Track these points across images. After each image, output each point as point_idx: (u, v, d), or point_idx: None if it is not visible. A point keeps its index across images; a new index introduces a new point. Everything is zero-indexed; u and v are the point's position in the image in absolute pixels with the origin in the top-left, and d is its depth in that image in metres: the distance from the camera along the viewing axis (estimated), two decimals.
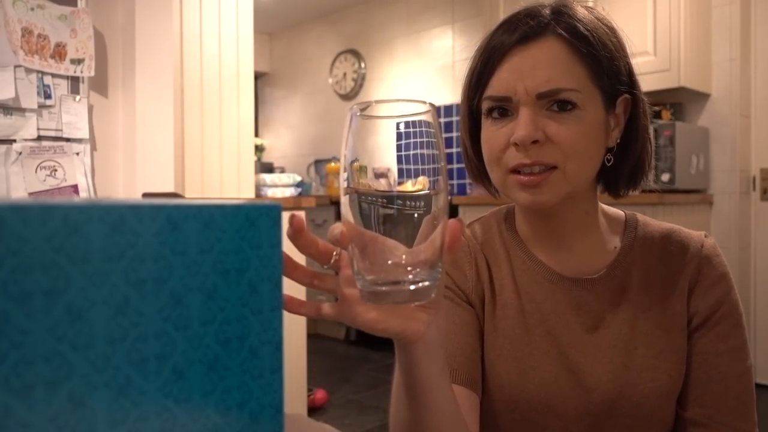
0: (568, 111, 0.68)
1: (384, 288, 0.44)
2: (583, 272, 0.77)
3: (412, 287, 0.44)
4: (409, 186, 0.46)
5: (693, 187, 2.88)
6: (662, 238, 0.78)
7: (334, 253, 0.48)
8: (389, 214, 0.45)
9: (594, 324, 0.75)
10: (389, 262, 0.44)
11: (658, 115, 3.00)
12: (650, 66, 2.83)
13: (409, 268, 0.45)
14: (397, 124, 0.45)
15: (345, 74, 4.89)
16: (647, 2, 2.85)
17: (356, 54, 4.81)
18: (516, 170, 0.69)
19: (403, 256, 0.45)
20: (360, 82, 4.79)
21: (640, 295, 0.75)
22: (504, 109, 0.70)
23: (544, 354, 0.75)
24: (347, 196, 0.46)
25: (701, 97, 3.02)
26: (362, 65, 4.77)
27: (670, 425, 0.75)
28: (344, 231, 0.44)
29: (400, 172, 0.46)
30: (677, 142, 2.73)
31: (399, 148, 0.47)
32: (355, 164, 0.45)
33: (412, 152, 0.46)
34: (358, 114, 0.45)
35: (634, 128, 0.75)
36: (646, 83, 2.79)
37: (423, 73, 4.35)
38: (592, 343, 0.74)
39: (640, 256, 0.77)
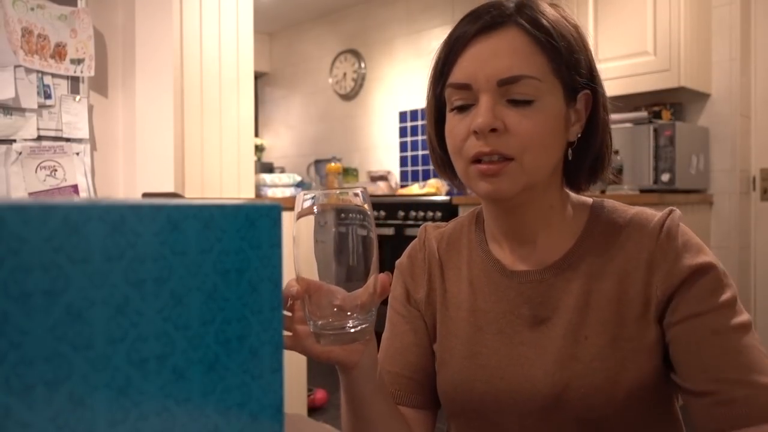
0: (527, 105, 0.69)
1: (331, 332, 0.58)
2: (541, 264, 0.76)
3: (353, 330, 0.58)
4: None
5: (693, 187, 2.88)
6: (624, 224, 0.75)
7: (289, 299, 0.60)
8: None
9: (546, 315, 0.74)
10: (334, 309, 0.57)
11: (658, 115, 3.00)
12: (650, 66, 2.83)
13: (348, 313, 0.58)
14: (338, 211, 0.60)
15: (345, 74, 4.89)
16: (647, 2, 2.85)
17: (356, 54, 4.81)
18: (476, 160, 0.70)
19: (344, 301, 0.58)
20: (360, 82, 4.79)
21: (594, 284, 0.73)
22: (466, 104, 0.71)
23: (493, 352, 0.75)
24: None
25: (701, 97, 3.02)
26: (362, 65, 4.77)
27: (632, 418, 0.70)
28: (299, 289, 0.57)
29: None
30: (677, 142, 2.73)
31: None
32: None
33: None
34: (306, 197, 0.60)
35: (594, 123, 0.75)
36: (646, 83, 2.80)
37: (423, 73, 4.34)
38: (543, 336, 0.73)
39: (600, 244, 0.75)
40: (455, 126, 0.73)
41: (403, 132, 4.46)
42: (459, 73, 0.71)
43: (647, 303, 0.71)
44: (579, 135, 0.75)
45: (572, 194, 0.80)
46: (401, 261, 0.88)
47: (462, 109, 0.72)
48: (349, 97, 4.89)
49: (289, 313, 0.62)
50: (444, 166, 0.81)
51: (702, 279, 0.69)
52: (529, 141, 0.69)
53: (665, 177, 2.73)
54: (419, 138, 4.35)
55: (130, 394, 0.30)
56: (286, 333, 0.62)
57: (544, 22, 0.70)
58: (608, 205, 0.79)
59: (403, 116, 4.47)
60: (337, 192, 0.59)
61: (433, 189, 3.81)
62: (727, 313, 0.68)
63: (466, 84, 0.70)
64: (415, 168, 4.37)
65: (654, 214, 0.75)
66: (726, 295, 0.69)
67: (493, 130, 0.68)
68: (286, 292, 0.58)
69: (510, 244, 0.79)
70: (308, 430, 0.79)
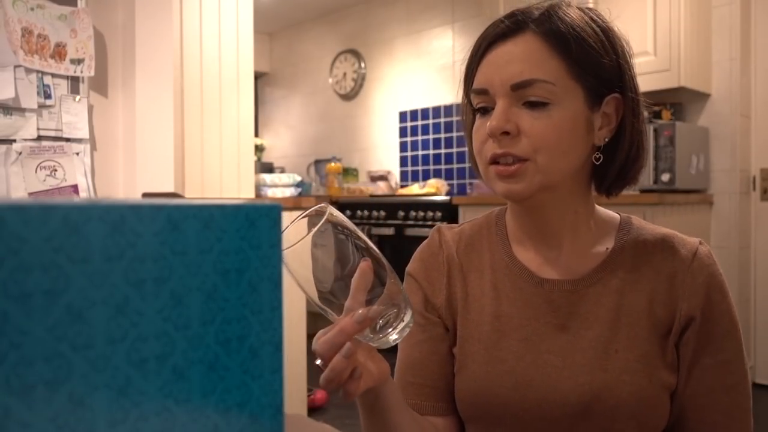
0: (541, 107, 0.70)
1: (380, 336, 0.60)
2: (571, 272, 0.77)
3: (397, 325, 0.60)
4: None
5: (693, 187, 2.88)
6: (655, 242, 0.77)
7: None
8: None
9: (576, 325, 0.74)
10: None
11: (658, 115, 3.00)
12: (650, 66, 2.83)
13: (378, 324, 0.60)
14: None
15: (345, 74, 4.89)
16: (647, 2, 2.85)
17: (356, 54, 4.81)
18: (494, 162, 0.72)
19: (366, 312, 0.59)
20: (360, 82, 4.79)
21: (625, 298, 0.74)
22: (488, 107, 0.73)
23: (518, 359, 0.75)
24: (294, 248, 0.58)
25: (701, 97, 3.02)
26: (362, 65, 4.77)
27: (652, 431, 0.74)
28: (351, 347, 0.57)
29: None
30: (677, 142, 2.73)
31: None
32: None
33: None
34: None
35: (622, 128, 0.76)
36: (646, 83, 2.80)
37: (423, 73, 4.35)
38: (571, 345, 0.74)
39: (631, 259, 0.76)
40: (477, 129, 0.75)
41: (403, 132, 4.46)
42: (478, 79, 0.74)
43: (671, 325, 0.73)
44: (607, 139, 0.75)
45: (599, 207, 0.81)
46: (413, 267, 0.86)
47: (484, 112, 0.74)
48: (349, 97, 4.89)
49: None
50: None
51: (718, 331, 0.73)
52: (540, 142, 0.70)
53: (665, 177, 2.73)
54: (419, 138, 4.35)
55: (130, 394, 0.30)
56: (355, 382, 0.60)
57: (562, 27, 0.71)
58: (636, 222, 0.80)
59: (403, 116, 4.47)
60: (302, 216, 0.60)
61: (433, 189, 3.81)
62: (730, 369, 0.74)
63: (484, 89, 0.73)
64: (415, 168, 4.37)
65: (685, 238, 0.77)
66: (739, 343, 0.74)
67: (506, 133, 0.70)
68: (341, 349, 0.57)
69: (535, 246, 0.79)
70: (308, 430, 0.79)
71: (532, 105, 0.70)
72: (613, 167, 0.76)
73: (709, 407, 0.73)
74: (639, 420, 0.71)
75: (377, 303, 0.58)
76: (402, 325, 0.60)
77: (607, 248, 0.77)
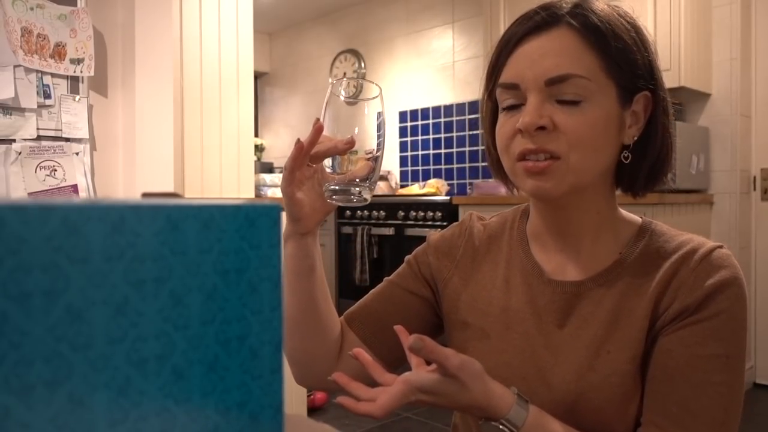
0: (575, 103, 0.68)
1: (339, 187, 0.72)
2: (581, 274, 0.76)
3: (357, 188, 0.72)
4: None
5: (693, 187, 2.88)
6: (669, 249, 0.74)
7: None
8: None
9: (575, 325, 0.74)
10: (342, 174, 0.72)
11: None
12: None
13: (356, 180, 0.72)
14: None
15: (345, 74, 4.89)
16: (647, 2, 2.85)
17: (356, 54, 4.81)
18: (522, 158, 0.70)
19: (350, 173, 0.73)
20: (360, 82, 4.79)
21: (627, 301, 0.73)
22: (516, 103, 0.71)
23: (519, 351, 0.76)
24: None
25: (701, 97, 3.02)
26: (362, 65, 4.77)
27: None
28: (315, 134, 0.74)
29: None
30: (677, 142, 2.72)
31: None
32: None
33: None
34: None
35: (653, 126, 0.74)
36: None
37: (423, 73, 4.35)
38: (565, 344, 0.74)
39: (640, 265, 0.74)
40: (503, 125, 0.73)
41: (403, 132, 4.46)
42: (508, 73, 0.72)
43: (660, 319, 0.71)
44: (636, 138, 0.74)
45: (622, 210, 0.80)
46: (435, 238, 0.89)
47: (511, 108, 0.72)
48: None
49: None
50: (499, 169, 0.80)
51: (709, 324, 0.68)
52: (576, 140, 0.68)
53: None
54: (419, 138, 4.35)
55: (130, 394, 0.30)
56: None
57: (597, 21, 0.70)
58: (657, 228, 0.78)
59: (403, 116, 4.46)
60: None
61: (433, 189, 3.81)
62: (708, 367, 0.68)
63: (515, 84, 0.71)
64: (415, 168, 4.37)
65: (703, 243, 0.73)
66: (729, 352, 0.69)
67: (541, 128, 0.68)
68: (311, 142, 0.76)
69: (555, 245, 0.78)
70: (308, 430, 0.78)
71: (566, 101, 0.68)
72: (643, 166, 0.75)
73: (665, 395, 0.68)
74: (626, 421, 0.71)
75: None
76: (357, 189, 0.71)
77: (620, 253, 0.76)
